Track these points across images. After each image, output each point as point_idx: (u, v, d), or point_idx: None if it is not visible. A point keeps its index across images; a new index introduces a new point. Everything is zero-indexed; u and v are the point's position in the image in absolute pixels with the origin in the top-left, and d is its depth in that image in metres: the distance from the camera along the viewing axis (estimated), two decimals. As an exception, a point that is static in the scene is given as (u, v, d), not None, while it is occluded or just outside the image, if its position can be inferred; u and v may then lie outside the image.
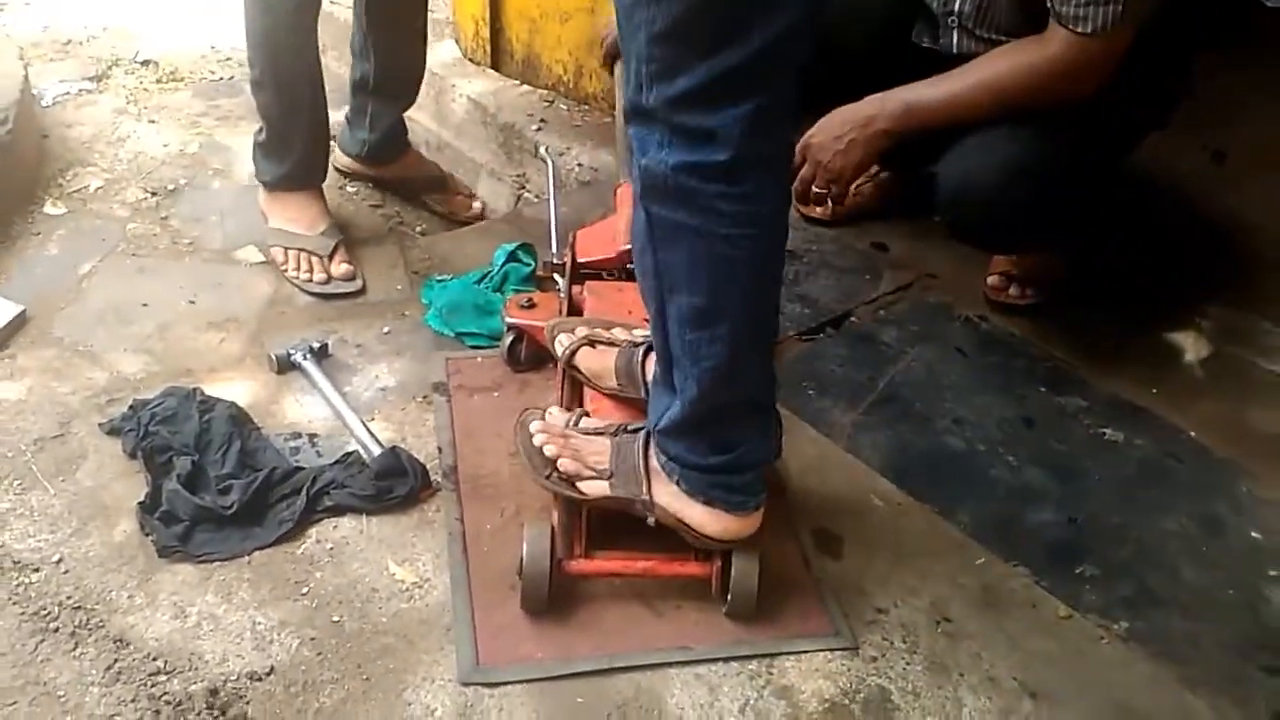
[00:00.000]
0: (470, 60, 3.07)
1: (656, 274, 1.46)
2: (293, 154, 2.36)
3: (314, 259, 2.32)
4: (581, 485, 1.62)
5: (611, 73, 2.31)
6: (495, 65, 3.03)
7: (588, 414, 1.76)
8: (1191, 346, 2.31)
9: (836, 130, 2.10)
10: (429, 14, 2.58)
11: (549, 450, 1.64)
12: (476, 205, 2.80)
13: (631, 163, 1.44)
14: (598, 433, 1.67)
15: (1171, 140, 2.31)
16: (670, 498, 1.58)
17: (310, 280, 2.31)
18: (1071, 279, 2.38)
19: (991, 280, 2.38)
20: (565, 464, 1.63)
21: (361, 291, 2.32)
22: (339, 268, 2.33)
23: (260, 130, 2.38)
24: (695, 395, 1.49)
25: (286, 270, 2.32)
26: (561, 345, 1.87)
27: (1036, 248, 2.30)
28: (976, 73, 2.03)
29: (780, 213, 1.45)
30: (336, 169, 2.66)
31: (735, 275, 1.42)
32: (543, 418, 1.72)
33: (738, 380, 1.50)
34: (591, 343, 1.84)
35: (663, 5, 1.27)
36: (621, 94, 1.50)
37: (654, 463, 1.59)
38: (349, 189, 2.76)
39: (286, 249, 2.34)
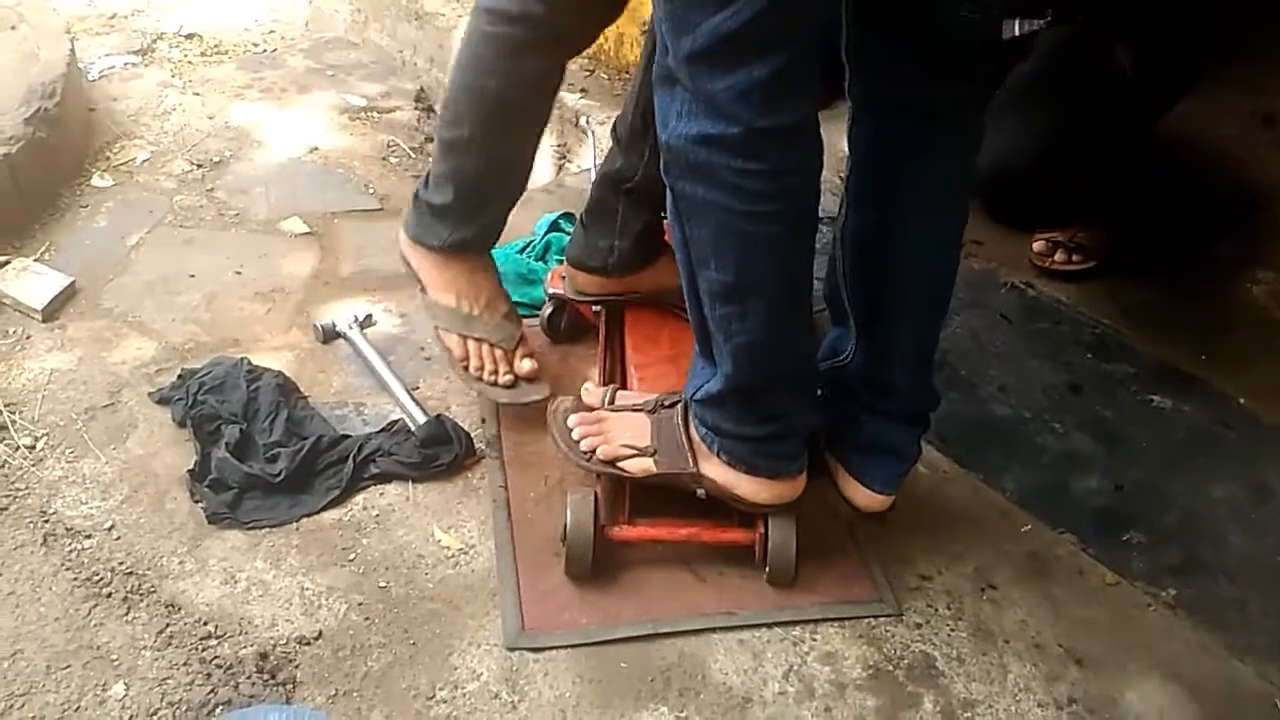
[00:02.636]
0: (511, 30, 3.06)
1: (685, 248, 1.46)
2: (484, 219, 1.91)
3: (498, 353, 1.90)
4: (625, 465, 1.63)
5: None
6: (536, 34, 3.02)
7: (620, 389, 1.77)
8: (1241, 312, 2.29)
9: None
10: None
11: (585, 444, 1.64)
12: None
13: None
14: (635, 408, 1.67)
15: (1220, 104, 2.28)
16: (716, 468, 1.59)
17: (495, 383, 1.89)
18: (1119, 244, 2.36)
19: (1037, 246, 2.35)
20: (604, 451, 1.64)
21: (549, 398, 1.85)
22: (523, 365, 1.91)
23: (433, 188, 1.88)
24: (731, 370, 1.49)
25: (468, 365, 1.90)
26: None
27: (1072, 219, 2.28)
28: None
29: (805, 189, 1.41)
30: (569, 297, 2.02)
31: (760, 251, 1.41)
32: (577, 399, 1.72)
33: (773, 354, 1.50)
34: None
35: None
36: None
37: (695, 434, 1.60)
38: (391, 159, 2.77)
39: (465, 337, 1.90)
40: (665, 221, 1.87)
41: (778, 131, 1.33)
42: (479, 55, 1.77)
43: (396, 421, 1.88)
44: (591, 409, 1.70)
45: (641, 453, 1.62)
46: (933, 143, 1.55)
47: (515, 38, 1.72)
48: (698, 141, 1.34)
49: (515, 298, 2.16)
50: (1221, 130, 2.61)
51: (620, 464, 1.64)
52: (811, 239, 1.49)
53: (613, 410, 1.69)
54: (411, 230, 1.93)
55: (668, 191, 1.44)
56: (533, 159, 1.89)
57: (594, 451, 1.64)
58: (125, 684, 1.47)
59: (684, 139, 1.35)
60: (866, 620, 1.63)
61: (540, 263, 2.24)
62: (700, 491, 1.62)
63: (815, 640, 1.59)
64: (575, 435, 1.66)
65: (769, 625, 1.61)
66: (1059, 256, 2.33)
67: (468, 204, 1.87)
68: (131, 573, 1.62)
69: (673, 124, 1.36)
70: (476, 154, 1.83)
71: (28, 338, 2.05)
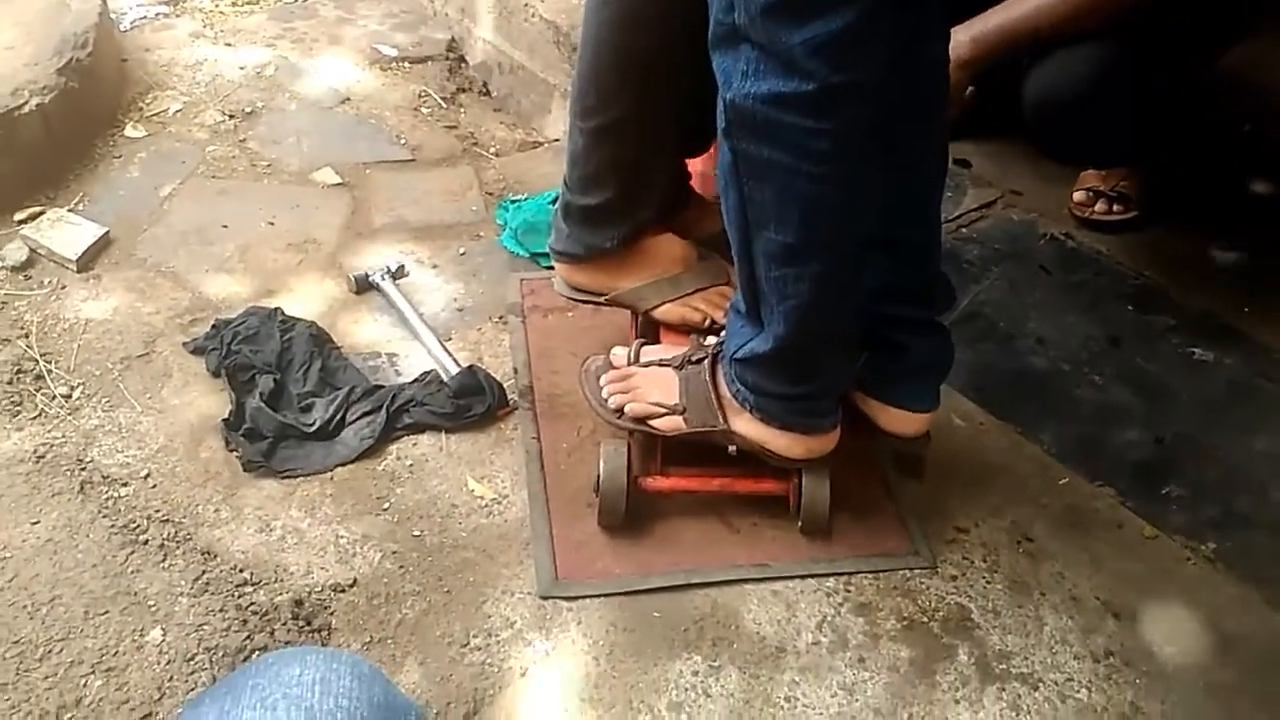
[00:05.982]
0: (543, -22, 3.03)
1: (742, 210, 1.41)
2: (653, 197, 1.74)
3: (725, 290, 1.76)
4: (655, 423, 1.63)
5: None
6: (568, -17, 2.98)
7: (648, 343, 1.75)
8: (1285, 263, 2.25)
9: None
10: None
11: (613, 401, 1.64)
12: None
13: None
14: (662, 363, 1.66)
15: (1265, 50, 2.23)
16: (748, 425, 1.57)
17: None
18: (1161, 194, 2.32)
19: (1078, 196, 2.32)
20: (633, 409, 1.63)
21: None
22: None
23: (586, 190, 1.71)
24: (783, 332, 1.46)
25: (710, 321, 1.76)
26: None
27: (1120, 158, 2.24)
28: None
29: (875, 149, 1.37)
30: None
31: (825, 213, 1.37)
32: (607, 359, 1.72)
33: (826, 316, 1.47)
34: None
35: None
36: None
37: (724, 391, 1.58)
38: (423, 110, 2.75)
39: (683, 300, 1.77)
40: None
41: (852, 88, 1.29)
42: (609, 22, 1.59)
43: (429, 372, 1.88)
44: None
45: (671, 410, 1.61)
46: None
47: None
48: (768, 101, 1.29)
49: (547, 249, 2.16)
50: (1268, 78, 2.56)
51: (650, 422, 1.63)
52: (875, 202, 1.43)
53: (640, 366, 1.68)
54: (574, 248, 1.77)
55: (725, 153, 1.39)
56: (689, 111, 1.61)
57: (623, 409, 1.64)
58: (162, 629, 1.48)
59: (752, 98, 1.30)
60: (901, 572, 1.62)
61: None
62: (732, 448, 1.61)
63: (849, 592, 1.59)
64: (605, 394, 1.66)
65: (802, 577, 1.60)
66: (1100, 206, 2.30)
67: (634, 188, 1.71)
68: (168, 520, 1.63)
69: (737, 83, 1.31)
70: (631, 133, 1.66)
71: (63, 288, 2.06)
